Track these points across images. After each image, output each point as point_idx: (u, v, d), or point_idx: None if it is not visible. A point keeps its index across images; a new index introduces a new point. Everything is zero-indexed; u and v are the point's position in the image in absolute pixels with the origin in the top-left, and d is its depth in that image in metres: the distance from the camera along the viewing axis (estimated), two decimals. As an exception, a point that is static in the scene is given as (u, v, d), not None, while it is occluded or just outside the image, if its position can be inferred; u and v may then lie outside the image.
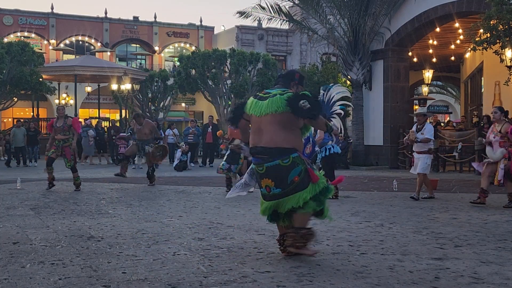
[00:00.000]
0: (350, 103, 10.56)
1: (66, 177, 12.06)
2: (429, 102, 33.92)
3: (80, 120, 16.25)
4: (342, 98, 9.72)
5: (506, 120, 8.88)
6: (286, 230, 4.90)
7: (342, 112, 9.77)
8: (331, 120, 9.62)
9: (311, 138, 9.65)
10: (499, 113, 8.72)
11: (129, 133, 13.08)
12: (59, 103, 33.59)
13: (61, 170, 12.56)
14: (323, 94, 9.67)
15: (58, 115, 11.05)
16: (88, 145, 20.53)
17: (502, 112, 8.77)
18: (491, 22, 12.03)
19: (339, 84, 10.32)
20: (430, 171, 10.13)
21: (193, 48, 42.70)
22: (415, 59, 20.95)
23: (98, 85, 31.15)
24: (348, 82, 20.19)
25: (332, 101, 9.67)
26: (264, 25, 39.59)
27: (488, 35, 12.31)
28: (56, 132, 10.78)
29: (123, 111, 32.39)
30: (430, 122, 20.43)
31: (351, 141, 19.03)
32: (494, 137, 8.66)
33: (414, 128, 9.73)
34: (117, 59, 43.81)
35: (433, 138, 9.90)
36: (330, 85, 10.03)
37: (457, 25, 16.79)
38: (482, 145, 14.12)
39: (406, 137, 9.85)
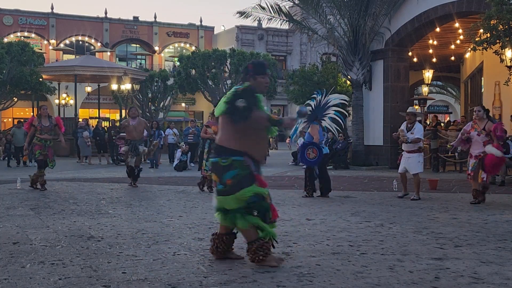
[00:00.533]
0: (345, 112, 10.53)
1: (67, 177, 12.07)
2: (429, 102, 33.95)
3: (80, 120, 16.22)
4: (339, 104, 9.82)
5: (488, 119, 8.92)
6: (225, 231, 4.79)
7: (336, 118, 9.90)
8: (323, 121, 9.79)
9: (308, 140, 9.70)
10: (482, 111, 8.88)
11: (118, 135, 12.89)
12: (59, 103, 33.68)
13: (60, 170, 12.54)
14: (320, 97, 9.79)
15: (42, 114, 10.96)
16: (86, 146, 20.53)
17: (484, 111, 8.94)
18: (491, 22, 12.02)
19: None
20: (430, 171, 10.17)
21: (193, 48, 42.74)
22: (415, 59, 20.94)
23: (98, 85, 31.15)
24: (348, 82, 20.19)
25: (328, 105, 9.78)
26: (264, 25, 39.62)
27: (488, 35, 12.31)
28: (42, 132, 10.76)
29: (123, 111, 32.40)
30: (430, 123, 20.44)
31: (351, 141, 19.02)
32: (478, 135, 8.77)
33: (403, 127, 9.66)
34: (117, 59, 43.83)
35: (423, 138, 9.93)
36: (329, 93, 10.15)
37: (457, 25, 16.78)
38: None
39: (396, 134, 9.76)
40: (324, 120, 9.95)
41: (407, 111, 9.93)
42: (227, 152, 4.62)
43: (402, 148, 9.74)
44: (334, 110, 9.83)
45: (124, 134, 11.80)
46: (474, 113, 9.05)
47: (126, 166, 11.68)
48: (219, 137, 4.75)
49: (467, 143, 9.05)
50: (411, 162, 9.50)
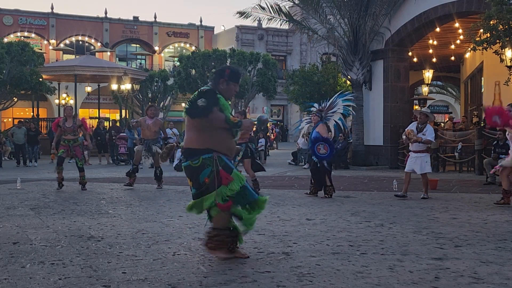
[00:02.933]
0: (352, 111, 10.60)
1: (67, 177, 12.05)
2: (429, 102, 33.90)
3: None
4: (347, 106, 10.05)
5: None
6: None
7: (344, 114, 10.02)
8: (328, 120, 10.01)
9: (319, 137, 9.75)
10: None
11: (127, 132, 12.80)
12: (59, 103, 33.68)
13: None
14: (328, 99, 9.96)
15: (66, 115, 11.08)
16: (88, 146, 20.52)
17: None
18: (491, 22, 12.02)
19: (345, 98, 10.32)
20: (431, 170, 10.16)
21: (193, 48, 42.75)
22: (415, 59, 20.94)
23: (98, 85, 31.16)
24: (348, 82, 20.19)
25: (335, 104, 9.96)
26: (264, 25, 39.62)
27: (488, 35, 12.31)
28: (66, 132, 10.86)
29: (123, 111, 32.41)
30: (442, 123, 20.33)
31: (351, 141, 19.02)
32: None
33: (413, 127, 9.64)
34: (117, 59, 43.84)
35: (434, 141, 9.92)
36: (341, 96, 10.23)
37: (457, 25, 16.78)
38: (482, 145, 14.15)
39: (405, 137, 9.72)
40: (331, 119, 10.05)
41: (422, 110, 9.91)
42: (195, 152, 4.69)
43: (410, 148, 9.70)
44: (343, 106, 10.01)
45: (124, 134, 11.81)
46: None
47: (133, 164, 11.58)
48: (185, 140, 4.83)
49: None
50: (419, 163, 9.47)
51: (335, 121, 10.08)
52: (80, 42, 42.81)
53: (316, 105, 10.46)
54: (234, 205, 4.70)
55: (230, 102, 23.80)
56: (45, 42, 41.30)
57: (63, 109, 11.50)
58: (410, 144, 9.63)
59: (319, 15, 18.67)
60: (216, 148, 4.70)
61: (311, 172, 10.18)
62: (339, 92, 10.86)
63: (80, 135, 11.38)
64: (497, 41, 12.08)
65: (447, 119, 29.48)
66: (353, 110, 18.83)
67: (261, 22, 36.21)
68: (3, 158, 22.75)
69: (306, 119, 10.94)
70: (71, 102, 32.34)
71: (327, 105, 10.17)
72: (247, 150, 10.55)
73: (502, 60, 13.10)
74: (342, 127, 10.78)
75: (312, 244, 5.52)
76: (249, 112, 38.66)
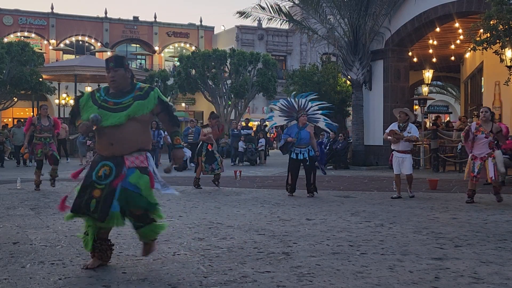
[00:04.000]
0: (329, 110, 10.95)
1: (67, 177, 12.04)
2: (429, 102, 33.87)
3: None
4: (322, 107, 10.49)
5: (492, 121, 8.91)
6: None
7: (326, 117, 10.48)
8: (316, 122, 10.52)
9: (305, 138, 9.96)
10: (489, 113, 8.83)
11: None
12: (59, 103, 33.68)
13: (60, 170, 12.54)
14: (291, 101, 10.34)
15: (42, 114, 11.22)
16: (83, 146, 20.58)
17: (490, 112, 8.91)
18: (491, 22, 12.01)
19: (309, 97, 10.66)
20: (430, 171, 10.19)
21: (193, 48, 42.72)
22: (415, 59, 20.93)
23: (98, 85, 31.05)
24: (348, 82, 20.18)
25: (311, 110, 10.42)
26: (264, 25, 39.59)
27: (488, 35, 12.30)
28: (42, 131, 10.97)
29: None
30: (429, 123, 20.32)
31: (351, 141, 19.02)
32: (485, 137, 8.68)
33: (395, 127, 9.62)
34: (117, 59, 43.74)
35: (418, 137, 10.07)
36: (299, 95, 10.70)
37: (457, 25, 16.77)
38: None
39: (389, 136, 9.58)
40: (317, 122, 10.51)
41: (402, 109, 10.02)
42: None
43: (395, 148, 9.67)
44: (320, 111, 10.44)
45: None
46: (480, 113, 8.91)
47: None
48: None
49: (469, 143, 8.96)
50: (406, 164, 9.56)
51: (324, 122, 10.58)
52: (80, 42, 42.79)
53: (279, 104, 10.70)
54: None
55: (230, 102, 23.78)
56: (45, 42, 41.27)
57: (40, 107, 11.63)
58: (394, 143, 9.59)
59: (319, 15, 18.67)
60: (96, 147, 4.70)
61: (292, 172, 10.22)
62: (300, 95, 11.07)
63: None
64: (497, 41, 12.07)
65: (448, 118, 29.50)
66: (353, 110, 19.00)
67: (261, 22, 36.23)
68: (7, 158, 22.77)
69: (280, 114, 10.92)
70: (71, 102, 32.31)
71: (296, 106, 10.51)
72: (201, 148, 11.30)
73: (502, 60, 13.10)
74: (330, 130, 11.19)
75: (312, 244, 5.52)
76: (249, 112, 38.69)
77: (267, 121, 12.13)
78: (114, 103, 4.51)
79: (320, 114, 10.61)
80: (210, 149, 11.22)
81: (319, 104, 10.70)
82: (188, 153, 17.33)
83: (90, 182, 4.40)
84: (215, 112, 12.02)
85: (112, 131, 4.44)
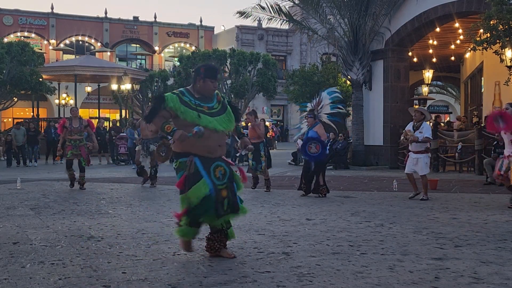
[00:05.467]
0: (341, 107, 10.72)
1: (67, 177, 12.04)
2: (429, 102, 33.94)
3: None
4: (334, 101, 10.25)
5: None
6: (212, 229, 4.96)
7: (334, 112, 10.27)
8: (321, 118, 10.30)
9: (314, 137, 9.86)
10: (511, 109, 8.39)
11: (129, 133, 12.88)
12: (59, 103, 33.69)
13: (60, 170, 12.54)
14: (315, 98, 10.18)
15: (72, 116, 11.27)
16: (93, 146, 20.56)
17: None
18: (491, 22, 12.01)
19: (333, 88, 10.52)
20: (430, 171, 10.17)
21: (193, 48, 42.75)
22: (415, 59, 20.93)
23: (98, 85, 31.16)
24: (348, 82, 20.18)
25: (322, 98, 10.23)
26: (264, 25, 39.60)
27: (488, 35, 12.30)
28: (72, 133, 11.00)
29: (123, 111, 32.40)
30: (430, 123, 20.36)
31: (351, 141, 19.02)
32: (505, 133, 8.36)
33: (410, 127, 9.51)
34: (117, 59, 43.84)
35: (431, 138, 9.84)
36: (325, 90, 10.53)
37: (457, 25, 16.77)
38: (482, 145, 14.13)
39: (403, 137, 9.62)
40: (321, 118, 10.27)
41: (417, 108, 9.76)
42: (176, 155, 4.86)
43: (410, 148, 9.57)
44: (330, 104, 10.20)
45: (124, 134, 11.85)
46: (506, 110, 8.47)
47: (137, 165, 11.92)
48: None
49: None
50: (419, 164, 9.37)
51: (328, 115, 10.32)
52: (80, 42, 42.81)
53: (309, 104, 10.58)
54: (191, 215, 4.71)
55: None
56: (45, 42, 41.29)
57: (70, 110, 11.66)
58: (409, 144, 9.55)
59: (319, 15, 18.67)
60: (193, 150, 4.72)
61: (304, 173, 10.20)
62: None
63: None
64: (497, 41, 12.08)
65: (448, 118, 29.50)
66: (353, 110, 19.00)
67: (261, 22, 36.21)
68: (2, 158, 22.78)
69: (304, 120, 10.98)
70: (71, 102, 32.34)
71: (316, 102, 10.35)
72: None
73: (502, 60, 13.10)
74: (332, 122, 10.99)
75: (312, 244, 5.52)
76: (249, 112, 38.64)
77: (298, 129, 11.79)
78: (208, 108, 4.80)
79: (330, 108, 10.33)
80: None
81: (332, 104, 10.38)
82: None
83: (214, 187, 4.65)
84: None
85: (218, 135, 4.77)
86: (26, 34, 40.03)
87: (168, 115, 4.71)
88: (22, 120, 24.14)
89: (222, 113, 4.85)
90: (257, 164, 10.86)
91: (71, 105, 31.61)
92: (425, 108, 20.24)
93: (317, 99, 10.40)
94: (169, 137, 4.85)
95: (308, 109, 10.48)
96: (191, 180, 4.65)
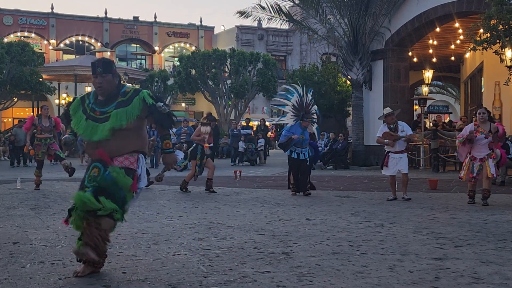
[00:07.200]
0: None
1: (67, 177, 12.04)
2: (429, 102, 33.88)
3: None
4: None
5: (489, 120, 8.81)
6: None
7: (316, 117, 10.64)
8: (313, 123, 10.62)
9: (307, 138, 10.09)
10: (487, 114, 8.76)
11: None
12: (59, 103, 33.69)
13: (60, 170, 12.55)
14: (301, 94, 10.42)
15: (43, 114, 11.21)
16: (81, 145, 20.58)
17: (488, 113, 8.83)
18: (491, 22, 12.01)
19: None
20: (430, 171, 10.15)
21: (193, 48, 42.73)
22: (415, 59, 20.93)
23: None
24: (348, 82, 20.18)
25: (310, 102, 10.55)
26: (264, 25, 39.63)
27: (488, 35, 12.30)
28: (42, 132, 10.99)
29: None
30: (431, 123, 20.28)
31: (351, 141, 19.03)
32: (485, 137, 8.60)
33: (385, 129, 9.41)
34: (117, 59, 43.81)
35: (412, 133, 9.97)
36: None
37: (457, 25, 16.77)
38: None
39: (386, 140, 9.34)
40: (315, 123, 10.64)
41: (385, 113, 9.63)
42: None
43: (389, 149, 9.40)
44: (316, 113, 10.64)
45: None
46: (478, 115, 8.84)
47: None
48: None
49: (467, 144, 8.91)
50: (403, 162, 9.38)
51: (316, 125, 10.82)
52: (80, 42, 42.80)
53: (297, 99, 10.65)
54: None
55: (230, 102, 23.74)
56: (45, 42, 41.27)
57: (40, 108, 11.61)
58: (391, 145, 9.35)
59: (319, 15, 18.67)
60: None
61: (294, 172, 10.24)
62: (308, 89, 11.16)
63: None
64: (497, 41, 12.07)
65: (448, 118, 29.48)
66: (353, 110, 19.00)
67: (261, 22, 36.21)
68: (1, 158, 22.78)
69: (292, 118, 10.91)
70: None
71: (304, 103, 10.47)
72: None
73: (502, 60, 13.09)
74: (316, 135, 11.35)
75: (312, 244, 5.52)
76: (249, 112, 38.66)
77: (280, 120, 11.98)
78: (100, 113, 4.34)
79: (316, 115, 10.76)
80: (206, 149, 10.76)
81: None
82: (180, 155, 17.23)
83: (83, 187, 4.31)
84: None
85: (100, 142, 4.30)
86: (26, 34, 40.01)
87: None
88: (23, 119, 24.09)
89: (110, 120, 4.28)
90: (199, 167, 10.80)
91: (47, 105, 31.62)
92: (425, 108, 20.26)
93: (304, 99, 10.55)
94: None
95: (287, 104, 10.64)
96: None
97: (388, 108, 9.87)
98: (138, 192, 4.56)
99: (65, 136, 4.44)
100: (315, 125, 10.83)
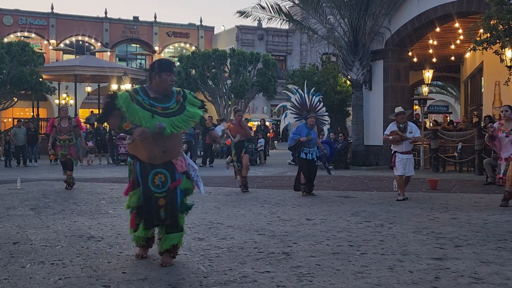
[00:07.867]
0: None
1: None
2: (429, 102, 33.90)
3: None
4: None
5: None
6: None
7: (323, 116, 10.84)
8: (324, 125, 10.75)
9: (314, 137, 10.10)
10: (510, 111, 8.45)
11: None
12: (59, 103, 33.64)
13: (60, 170, 12.55)
14: (301, 95, 10.56)
15: (61, 115, 11.19)
16: (81, 146, 20.59)
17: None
18: (491, 22, 12.01)
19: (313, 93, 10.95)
20: (430, 171, 10.13)
21: (193, 48, 42.72)
22: (415, 59, 20.93)
23: (98, 85, 31.14)
24: (348, 82, 20.17)
25: (317, 105, 10.68)
26: (264, 25, 39.64)
27: (488, 35, 12.30)
28: (61, 133, 10.96)
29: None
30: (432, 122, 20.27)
31: (351, 141, 19.02)
32: (506, 136, 8.36)
33: (395, 128, 9.32)
34: (117, 59, 43.81)
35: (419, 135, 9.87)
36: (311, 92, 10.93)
37: (457, 25, 16.77)
38: (482, 145, 14.12)
39: (391, 137, 9.23)
40: (325, 125, 10.80)
41: (397, 111, 9.47)
42: (129, 156, 4.82)
43: (396, 149, 9.32)
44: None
45: (124, 134, 11.79)
46: (501, 113, 8.59)
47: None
48: None
49: (493, 140, 8.57)
50: (410, 164, 9.34)
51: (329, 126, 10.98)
52: (80, 42, 42.78)
53: (297, 98, 10.84)
54: (138, 218, 4.62)
55: (230, 102, 23.78)
56: (45, 42, 41.26)
57: (58, 109, 11.61)
58: (396, 145, 9.29)
59: (319, 15, 18.67)
60: (136, 154, 4.61)
61: (306, 172, 10.21)
62: (312, 90, 11.34)
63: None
64: (497, 41, 12.07)
65: (448, 118, 29.47)
66: (353, 110, 19.00)
67: (261, 22, 36.23)
68: (1, 158, 22.77)
69: (292, 115, 11.10)
70: (71, 102, 32.32)
71: (309, 104, 10.67)
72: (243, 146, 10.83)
73: (502, 60, 13.09)
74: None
75: (312, 244, 5.52)
76: (249, 112, 38.67)
77: (282, 119, 12.09)
78: (162, 108, 4.46)
79: (327, 117, 11.00)
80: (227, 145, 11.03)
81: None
82: (219, 130, 17.18)
83: (151, 194, 4.51)
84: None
85: (164, 139, 4.42)
86: (26, 34, 40.00)
87: (121, 113, 4.43)
88: (22, 119, 24.10)
89: (179, 114, 4.50)
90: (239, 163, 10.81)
91: (71, 105, 31.64)
92: (425, 108, 20.25)
93: (308, 100, 10.68)
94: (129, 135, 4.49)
95: (290, 104, 10.82)
96: (133, 186, 4.62)
97: (400, 107, 9.80)
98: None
99: (160, 123, 4.33)
100: (327, 126, 11.23)
